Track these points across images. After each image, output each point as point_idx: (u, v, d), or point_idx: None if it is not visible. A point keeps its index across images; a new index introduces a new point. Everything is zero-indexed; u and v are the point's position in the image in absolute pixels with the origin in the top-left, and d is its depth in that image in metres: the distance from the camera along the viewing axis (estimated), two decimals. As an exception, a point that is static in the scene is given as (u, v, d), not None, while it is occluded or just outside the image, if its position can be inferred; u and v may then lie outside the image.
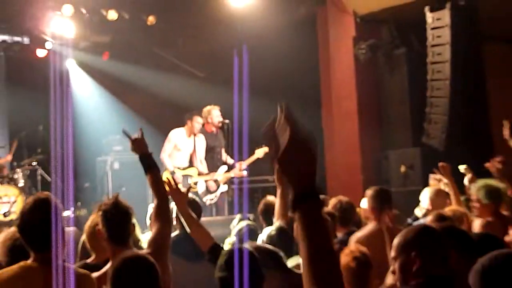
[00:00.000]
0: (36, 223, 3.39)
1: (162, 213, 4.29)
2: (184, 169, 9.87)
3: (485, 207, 5.48)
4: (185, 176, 9.75)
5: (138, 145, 4.53)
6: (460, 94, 9.75)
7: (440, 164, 6.58)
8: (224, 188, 9.80)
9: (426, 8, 9.81)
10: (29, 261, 3.41)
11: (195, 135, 10.03)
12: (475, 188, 5.79)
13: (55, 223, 3.38)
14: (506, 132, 4.37)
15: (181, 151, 9.97)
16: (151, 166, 4.46)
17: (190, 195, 6.29)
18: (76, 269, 3.72)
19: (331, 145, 11.05)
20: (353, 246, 4.77)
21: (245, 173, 9.89)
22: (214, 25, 11.01)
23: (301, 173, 1.78)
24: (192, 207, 5.23)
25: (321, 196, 5.93)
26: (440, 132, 9.77)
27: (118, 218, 3.96)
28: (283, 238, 4.95)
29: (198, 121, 9.97)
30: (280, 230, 5.14)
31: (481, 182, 5.85)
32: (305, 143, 1.77)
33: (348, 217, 5.91)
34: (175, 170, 9.71)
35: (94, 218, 4.58)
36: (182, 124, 10.38)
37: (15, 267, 3.44)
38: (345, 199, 6.20)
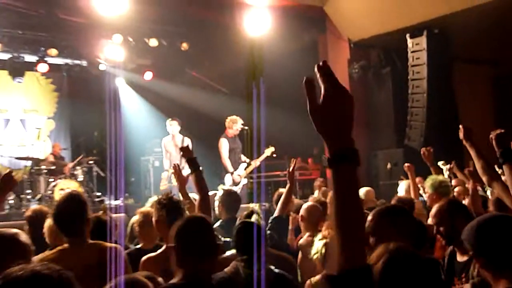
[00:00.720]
0: (67, 214, 3.53)
1: (204, 207, 4.29)
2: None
3: (430, 196, 5.53)
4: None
5: (186, 152, 4.64)
6: (435, 105, 9.88)
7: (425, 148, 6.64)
8: (244, 181, 9.83)
9: (407, 35, 9.98)
10: (65, 245, 3.53)
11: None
12: (427, 181, 5.85)
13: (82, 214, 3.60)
14: (461, 135, 4.28)
15: (170, 153, 10.16)
16: (195, 167, 4.47)
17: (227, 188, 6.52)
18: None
19: (331, 147, 11.20)
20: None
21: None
22: (235, 50, 11.07)
23: (338, 129, 1.52)
24: (233, 198, 5.59)
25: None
26: (419, 135, 9.92)
27: (173, 208, 4.06)
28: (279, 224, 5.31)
29: (171, 124, 10.30)
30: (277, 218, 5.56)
31: (432, 176, 5.90)
32: (341, 97, 1.51)
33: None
34: (168, 169, 9.96)
35: (144, 212, 4.70)
36: (211, 130, 10.52)
37: (55, 250, 3.58)
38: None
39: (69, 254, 3.42)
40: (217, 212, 5.62)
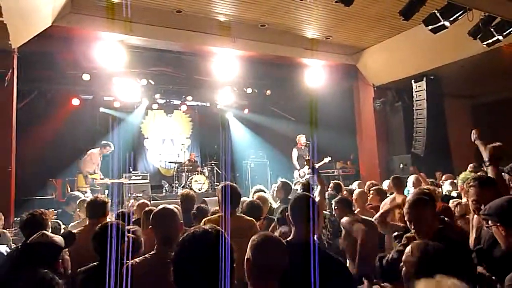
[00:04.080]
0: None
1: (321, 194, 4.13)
2: None
3: (461, 186, 4.83)
4: None
5: (310, 163, 4.50)
6: (432, 126, 9.53)
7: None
8: (307, 176, 9.68)
9: (412, 81, 9.73)
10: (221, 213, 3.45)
11: None
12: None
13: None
14: (473, 137, 3.72)
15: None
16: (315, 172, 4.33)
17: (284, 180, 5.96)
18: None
19: (362, 154, 10.94)
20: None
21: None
22: (300, 93, 11.07)
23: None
24: (287, 186, 5.12)
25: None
26: (421, 146, 9.61)
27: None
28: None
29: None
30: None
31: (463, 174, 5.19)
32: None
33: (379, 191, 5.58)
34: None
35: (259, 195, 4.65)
36: (287, 143, 10.48)
37: (217, 215, 3.54)
38: (374, 182, 6.06)
39: (222, 220, 3.33)
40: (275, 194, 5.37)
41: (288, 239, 2.40)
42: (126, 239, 2.41)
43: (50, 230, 3.63)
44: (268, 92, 11.34)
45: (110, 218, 3.68)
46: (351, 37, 9.08)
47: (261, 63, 9.80)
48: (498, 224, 1.93)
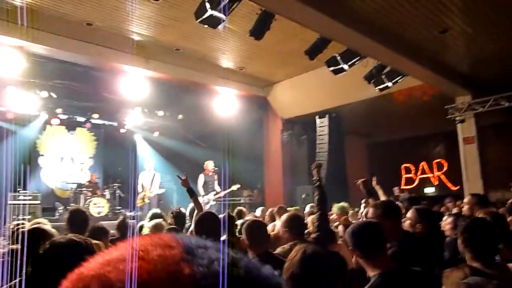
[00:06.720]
0: None
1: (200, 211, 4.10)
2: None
3: (338, 216, 5.30)
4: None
5: (185, 183, 4.34)
6: (332, 159, 10.17)
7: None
8: (213, 203, 9.61)
9: (316, 117, 10.36)
10: None
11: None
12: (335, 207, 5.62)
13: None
14: (374, 183, 4.17)
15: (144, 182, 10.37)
16: (192, 193, 4.30)
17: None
18: None
19: (268, 183, 11.27)
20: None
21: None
22: (211, 121, 11.09)
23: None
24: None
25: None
26: (323, 178, 10.10)
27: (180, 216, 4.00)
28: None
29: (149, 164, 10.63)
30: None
31: (337, 204, 5.71)
32: None
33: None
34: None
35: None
36: (194, 169, 10.38)
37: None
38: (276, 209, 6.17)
39: None
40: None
41: None
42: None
43: None
44: (180, 116, 11.21)
45: None
46: (263, 70, 9.50)
47: (175, 87, 9.74)
48: (350, 248, 2.09)
